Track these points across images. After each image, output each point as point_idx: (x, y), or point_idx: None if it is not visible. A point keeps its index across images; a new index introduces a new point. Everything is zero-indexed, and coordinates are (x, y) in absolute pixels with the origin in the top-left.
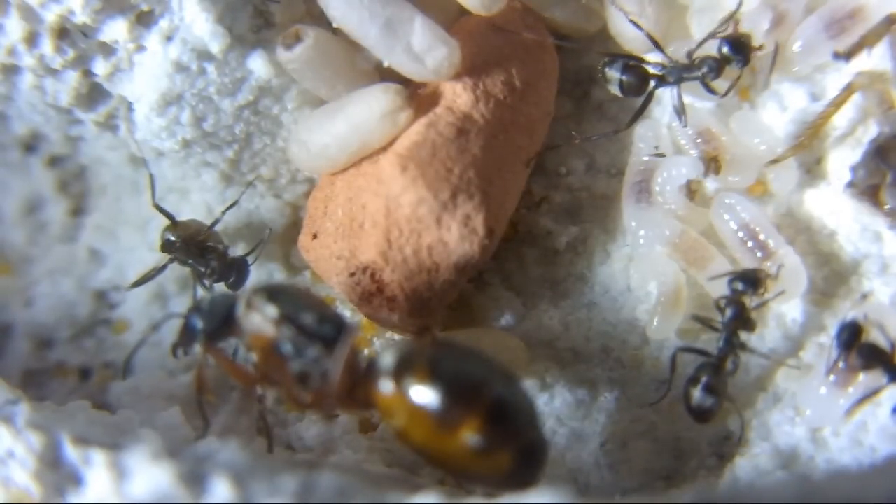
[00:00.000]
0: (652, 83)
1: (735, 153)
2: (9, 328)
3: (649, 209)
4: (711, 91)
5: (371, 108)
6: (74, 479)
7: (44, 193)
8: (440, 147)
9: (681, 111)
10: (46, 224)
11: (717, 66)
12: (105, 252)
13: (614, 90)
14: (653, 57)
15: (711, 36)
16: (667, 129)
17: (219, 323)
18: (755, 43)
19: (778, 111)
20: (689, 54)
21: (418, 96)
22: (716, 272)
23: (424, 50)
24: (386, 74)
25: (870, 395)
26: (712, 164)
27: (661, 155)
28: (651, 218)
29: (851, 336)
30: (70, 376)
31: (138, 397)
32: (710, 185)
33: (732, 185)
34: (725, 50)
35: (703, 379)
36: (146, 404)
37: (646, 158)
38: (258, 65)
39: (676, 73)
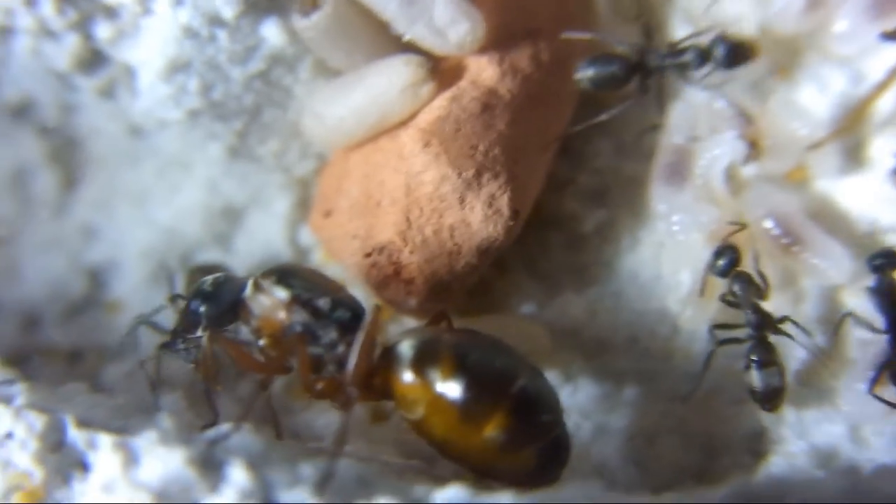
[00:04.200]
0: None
1: (775, 137)
2: None
3: (680, 192)
4: (687, 80)
5: (391, 80)
6: (80, 464)
7: (34, 163)
8: (464, 122)
9: (663, 102)
10: (36, 196)
11: (701, 57)
12: (99, 227)
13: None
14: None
15: (701, 32)
16: (704, 109)
17: (224, 307)
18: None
19: (818, 93)
20: (672, 44)
21: (441, 69)
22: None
23: (447, 23)
24: (408, 45)
25: None
26: (752, 148)
27: (696, 137)
28: (682, 202)
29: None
30: (59, 358)
31: (134, 382)
32: (748, 170)
33: (771, 170)
34: (719, 51)
35: (756, 357)
36: (142, 389)
37: (680, 140)
38: (272, 32)
39: (659, 60)
